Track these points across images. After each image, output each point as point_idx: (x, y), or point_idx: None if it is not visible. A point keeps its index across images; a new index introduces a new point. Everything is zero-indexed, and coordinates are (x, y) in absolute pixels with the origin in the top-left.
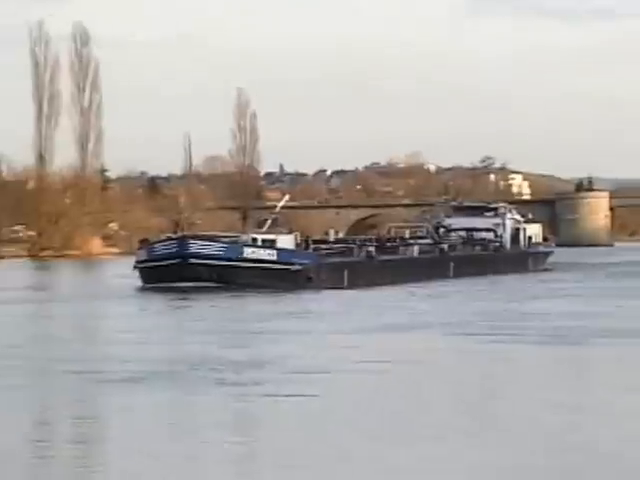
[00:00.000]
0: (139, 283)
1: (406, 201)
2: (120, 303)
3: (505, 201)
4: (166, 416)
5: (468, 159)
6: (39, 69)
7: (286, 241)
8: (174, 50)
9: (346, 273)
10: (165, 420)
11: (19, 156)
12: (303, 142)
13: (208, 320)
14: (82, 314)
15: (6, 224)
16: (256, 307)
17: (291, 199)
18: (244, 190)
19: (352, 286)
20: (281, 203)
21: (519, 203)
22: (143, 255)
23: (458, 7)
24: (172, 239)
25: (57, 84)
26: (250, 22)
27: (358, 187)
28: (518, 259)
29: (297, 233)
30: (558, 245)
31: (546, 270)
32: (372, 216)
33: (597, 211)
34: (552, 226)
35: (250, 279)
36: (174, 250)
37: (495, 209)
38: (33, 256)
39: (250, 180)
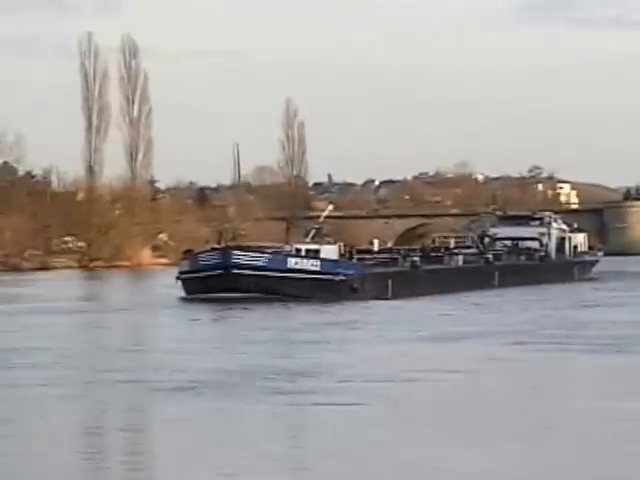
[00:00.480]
0: (182, 294)
1: (454, 211)
2: (169, 314)
3: (553, 210)
4: (219, 425)
5: (516, 169)
6: (88, 82)
7: (330, 251)
8: (222, 61)
9: (390, 283)
10: (218, 429)
11: (69, 168)
12: (351, 152)
13: (256, 330)
14: (130, 324)
15: (57, 235)
16: (304, 317)
17: (339, 209)
18: (292, 200)
19: (396, 296)
20: (325, 213)
21: (567, 212)
22: (186, 266)
23: (505, 16)
24: (215, 250)
25: (106, 96)
26: (297, 34)
27: (406, 197)
28: (563, 268)
29: (341, 243)
30: (607, 254)
31: (592, 279)
32: (421, 226)
33: None
34: (601, 235)
35: (294, 290)
36: (217, 261)
37: (540, 218)
38: (83, 267)
39: (298, 190)
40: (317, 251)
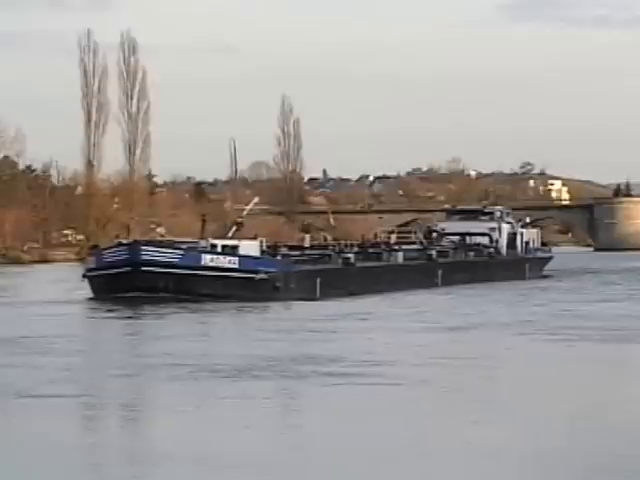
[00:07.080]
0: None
1: (447, 206)
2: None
3: (545, 207)
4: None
5: (508, 165)
6: (88, 77)
7: (250, 247)
8: (219, 57)
9: (319, 282)
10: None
11: (69, 162)
12: (346, 148)
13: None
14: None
15: (56, 228)
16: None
17: (334, 204)
18: (288, 195)
19: (325, 296)
20: (249, 207)
21: (559, 208)
22: (92, 263)
23: (499, 12)
24: (122, 245)
25: (105, 92)
26: (293, 31)
27: (400, 192)
28: (514, 266)
29: (263, 239)
30: (597, 249)
31: (544, 277)
32: (413, 220)
33: (634, 216)
34: (591, 230)
35: (209, 289)
36: (125, 257)
37: (491, 213)
38: (82, 259)
39: (294, 185)
40: (235, 247)
